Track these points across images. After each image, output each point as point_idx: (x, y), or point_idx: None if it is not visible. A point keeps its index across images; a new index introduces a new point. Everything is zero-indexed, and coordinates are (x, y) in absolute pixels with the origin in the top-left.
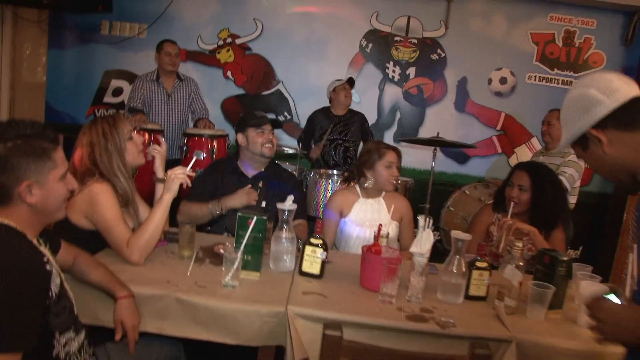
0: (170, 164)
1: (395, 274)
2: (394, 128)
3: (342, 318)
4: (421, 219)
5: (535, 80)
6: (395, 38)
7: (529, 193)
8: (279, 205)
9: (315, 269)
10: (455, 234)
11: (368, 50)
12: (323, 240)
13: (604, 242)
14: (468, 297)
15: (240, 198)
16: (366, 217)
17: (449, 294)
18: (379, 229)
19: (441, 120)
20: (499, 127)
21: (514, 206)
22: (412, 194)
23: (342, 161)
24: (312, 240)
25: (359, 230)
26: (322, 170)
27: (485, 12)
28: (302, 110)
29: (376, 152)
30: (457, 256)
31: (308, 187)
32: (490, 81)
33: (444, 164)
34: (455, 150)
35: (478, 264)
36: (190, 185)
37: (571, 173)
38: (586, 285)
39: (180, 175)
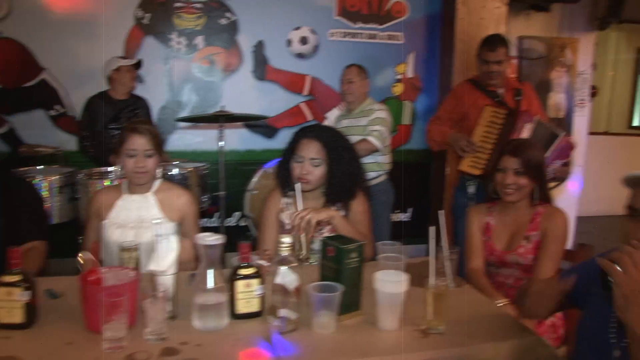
0: None
1: (120, 308)
2: (189, 107)
3: None
4: (158, 225)
5: (338, 36)
6: (176, 4)
7: (325, 166)
8: None
9: (15, 317)
10: (201, 237)
11: (146, 21)
12: (24, 274)
13: (431, 199)
14: (236, 316)
15: None
16: (129, 217)
17: (208, 319)
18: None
19: (240, 91)
20: (305, 92)
21: (304, 186)
22: (209, 181)
23: None
24: (4, 278)
25: (120, 234)
26: (94, 170)
27: None
28: (78, 100)
29: (120, 137)
30: (211, 267)
31: (78, 192)
32: (289, 43)
33: (251, 141)
34: (261, 123)
35: (242, 271)
36: None
37: (381, 130)
38: (381, 279)
39: None
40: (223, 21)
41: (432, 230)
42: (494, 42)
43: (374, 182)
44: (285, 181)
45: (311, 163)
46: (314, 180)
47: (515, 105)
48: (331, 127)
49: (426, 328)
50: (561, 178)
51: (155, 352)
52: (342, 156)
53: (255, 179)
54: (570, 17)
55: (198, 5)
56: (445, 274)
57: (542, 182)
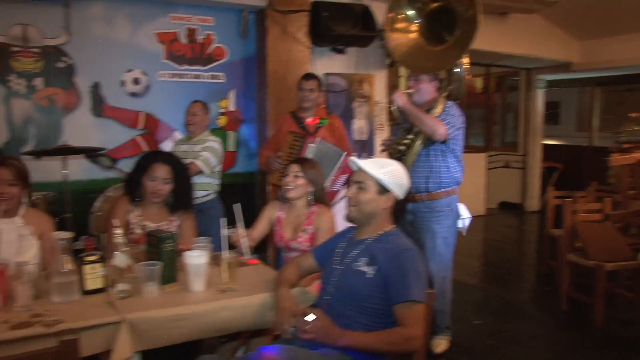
0: None
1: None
2: (31, 143)
3: None
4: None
5: (167, 77)
6: (13, 48)
7: (171, 184)
8: None
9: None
10: (57, 234)
11: None
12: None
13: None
14: (86, 292)
15: None
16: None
17: (63, 295)
18: None
19: (79, 128)
20: (140, 127)
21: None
22: (55, 207)
23: None
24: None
25: None
26: None
27: (107, 15)
28: None
29: None
30: (63, 255)
31: None
32: (123, 83)
33: (91, 171)
34: (101, 155)
35: (87, 258)
36: None
37: (207, 157)
38: (188, 255)
39: None
40: (60, 64)
41: (223, 220)
42: (309, 75)
43: (205, 199)
44: (134, 192)
45: (163, 182)
46: (164, 194)
47: (314, 131)
48: (173, 153)
49: (224, 288)
50: None
51: (24, 317)
52: (185, 176)
53: (98, 203)
54: (363, 57)
55: (35, 50)
56: (242, 249)
57: (318, 187)
